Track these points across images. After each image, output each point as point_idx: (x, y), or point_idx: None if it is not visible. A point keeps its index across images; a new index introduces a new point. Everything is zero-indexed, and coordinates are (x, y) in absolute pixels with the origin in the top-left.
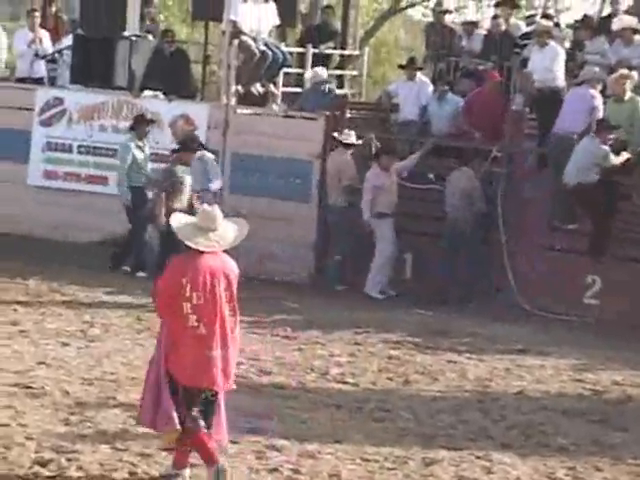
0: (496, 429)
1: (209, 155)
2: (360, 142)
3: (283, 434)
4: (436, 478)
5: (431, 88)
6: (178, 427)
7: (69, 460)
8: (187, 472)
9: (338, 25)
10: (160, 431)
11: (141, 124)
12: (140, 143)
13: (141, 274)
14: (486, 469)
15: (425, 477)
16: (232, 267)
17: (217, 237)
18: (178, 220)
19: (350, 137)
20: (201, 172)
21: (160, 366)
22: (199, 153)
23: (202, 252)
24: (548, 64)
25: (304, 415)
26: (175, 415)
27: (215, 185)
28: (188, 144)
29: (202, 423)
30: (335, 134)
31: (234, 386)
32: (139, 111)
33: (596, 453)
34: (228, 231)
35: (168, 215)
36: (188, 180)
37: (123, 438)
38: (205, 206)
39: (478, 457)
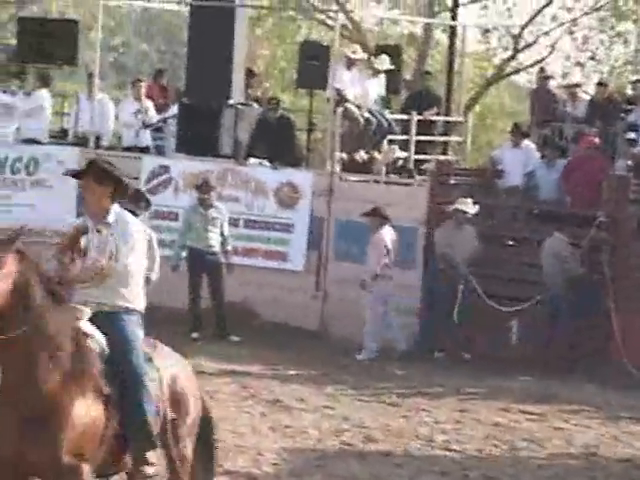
0: None
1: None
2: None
3: None
4: None
5: (538, 154)
6: None
7: None
8: None
9: (441, 91)
10: None
11: (203, 191)
12: (201, 209)
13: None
14: None
15: None
16: None
17: None
18: None
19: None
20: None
21: None
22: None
23: None
24: None
25: None
26: None
27: (154, 276)
28: None
29: None
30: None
31: None
32: (243, 179)
33: None
34: None
35: None
36: None
37: None
38: None
39: None
